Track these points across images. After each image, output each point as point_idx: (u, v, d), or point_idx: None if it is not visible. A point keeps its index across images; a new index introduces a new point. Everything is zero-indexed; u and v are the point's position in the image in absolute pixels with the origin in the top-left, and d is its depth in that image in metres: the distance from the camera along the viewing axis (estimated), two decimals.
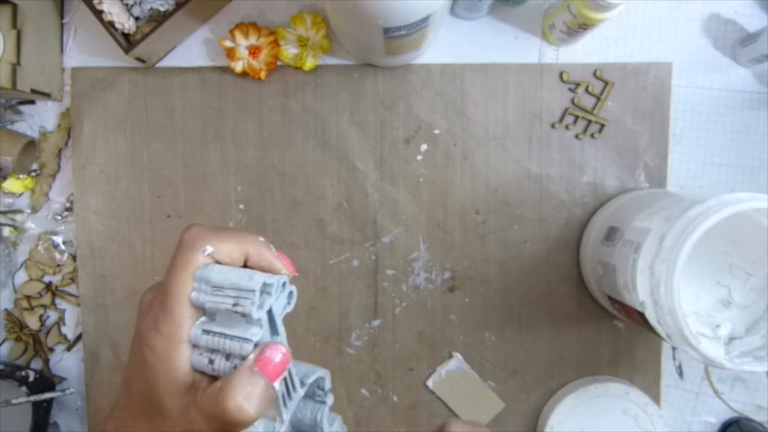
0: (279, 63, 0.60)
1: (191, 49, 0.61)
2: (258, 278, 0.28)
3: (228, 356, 0.28)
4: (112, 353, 0.63)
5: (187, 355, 0.29)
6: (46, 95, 0.59)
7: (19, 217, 0.62)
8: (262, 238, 0.32)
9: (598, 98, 0.60)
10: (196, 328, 0.29)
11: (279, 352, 0.28)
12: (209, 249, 0.29)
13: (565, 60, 0.61)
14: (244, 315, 0.28)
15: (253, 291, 0.28)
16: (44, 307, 0.63)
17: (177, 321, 0.29)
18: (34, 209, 0.62)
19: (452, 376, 0.62)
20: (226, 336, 0.28)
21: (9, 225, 0.62)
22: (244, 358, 0.28)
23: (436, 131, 0.61)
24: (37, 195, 0.62)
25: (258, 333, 0.28)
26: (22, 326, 0.63)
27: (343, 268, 0.62)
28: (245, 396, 0.27)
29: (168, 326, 0.29)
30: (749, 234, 0.51)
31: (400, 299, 0.62)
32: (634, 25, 0.61)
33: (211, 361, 0.29)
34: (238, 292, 0.28)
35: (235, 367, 0.28)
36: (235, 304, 0.28)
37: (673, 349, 0.63)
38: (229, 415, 0.27)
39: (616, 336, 0.62)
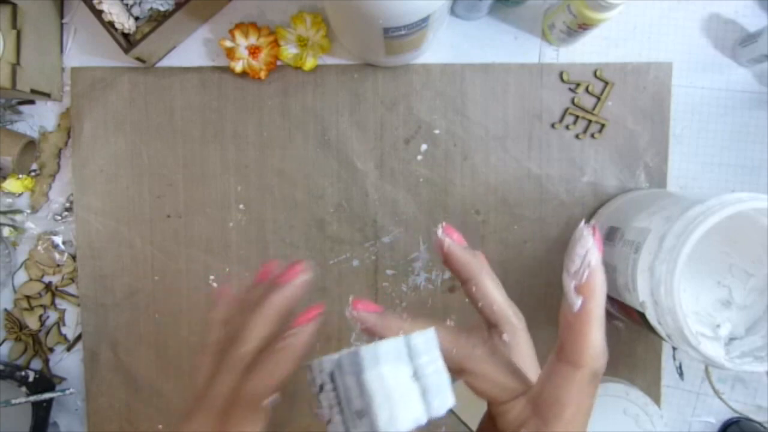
0: (279, 63, 0.60)
1: (191, 49, 0.61)
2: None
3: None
4: (112, 353, 0.63)
5: None
6: (46, 95, 0.59)
7: (18, 217, 0.62)
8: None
9: (598, 98, 0.60)
10: None
11: None
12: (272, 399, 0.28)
13: (565, 60, 0.61)
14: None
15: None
16: (44, 307, 0.63)
17: None
18: (34, 209, 0.62)
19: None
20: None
21: (9, 225, 0.62)
22: None
23: (436, 131, 0.61)
24: (36, 195, 0.62)
25: None
26: (22, 326, 0.63)
27: (343, 268, 0.62)
28: None
29: None
30: (749, 234, 0.51)
31: (400, 299, 0.62)
32: (634, 25, 0.61)
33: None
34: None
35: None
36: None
37: (673, 349, 0.63)
38: None
39: (616, 336, 0.62)
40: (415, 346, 0.25)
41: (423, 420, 0.25)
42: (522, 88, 0.61)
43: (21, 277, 0.63)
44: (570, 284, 0.26)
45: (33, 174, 0.62)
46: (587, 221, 0.61)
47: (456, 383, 0.27)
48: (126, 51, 0.55)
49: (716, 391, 0.62)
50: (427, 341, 0.26)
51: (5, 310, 0.63)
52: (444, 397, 0.26)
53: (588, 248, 0.25)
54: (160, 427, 0.63)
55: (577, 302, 0.25)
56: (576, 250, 0.25)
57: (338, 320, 0.62)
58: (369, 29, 0.46)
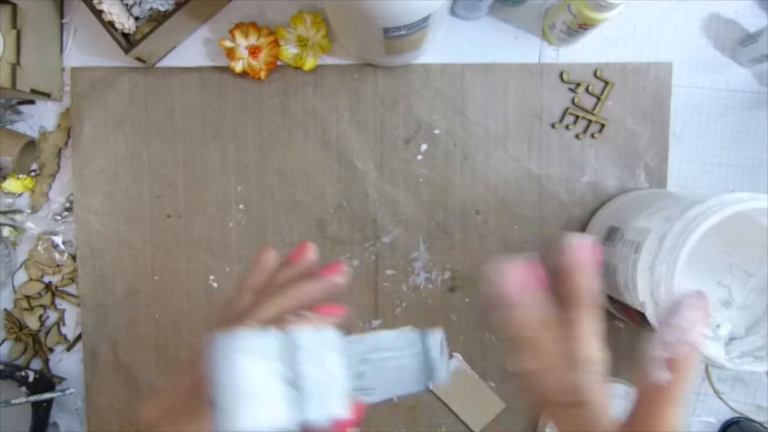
0: (279, 63, 0.60)
1: (191, 49, 0.61)
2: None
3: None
4: (112, 353, 0.62)
5: None
6: (46, 95, 0.59)
7: (18, 217, 0.62)
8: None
9: (598, 98, 0.60)
10: None
11: None
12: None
13: (565, 60, 0.61)
14: None
15: None
16: (44, 307, 0.63)
17: None
18: (34, 209, 0.62)
19: (452, 376, 0.62)
20: None
21: (9, 225, 0.62)
22: None
23: (436, 131, 0.61)
24: (36, 195, 0.62)
25: None
26: (22, 326, 0.63)
27: None
28: None
29: None
30: (749, 234, 0.51)
31: (400, 299, 0.62)
32: (634, 25, 0.61)
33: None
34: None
35: None
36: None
37: None
38: None
39: (616, 336, 0.62)
40: (302, 346, 0.23)
41: (284, 425, 0.23)
42: (522, 88, 0.61)
43: (21, 277, 0.63)
44: (659, 353, 0.22)
45: (33, 174, 0.62)
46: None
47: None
48: (126, 51, 0.55)
49: (716, 391, 0.62)
50: (322, 343, 0.24)
51: (5, 310, 0.63)
52: (325, 406, 0.24)
53: (695, 322, 0.22)
54: None
55: (663, 376, 0.22)
56: (678, 320, 0.22)
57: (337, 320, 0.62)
58: (369, 29, 0.46)
